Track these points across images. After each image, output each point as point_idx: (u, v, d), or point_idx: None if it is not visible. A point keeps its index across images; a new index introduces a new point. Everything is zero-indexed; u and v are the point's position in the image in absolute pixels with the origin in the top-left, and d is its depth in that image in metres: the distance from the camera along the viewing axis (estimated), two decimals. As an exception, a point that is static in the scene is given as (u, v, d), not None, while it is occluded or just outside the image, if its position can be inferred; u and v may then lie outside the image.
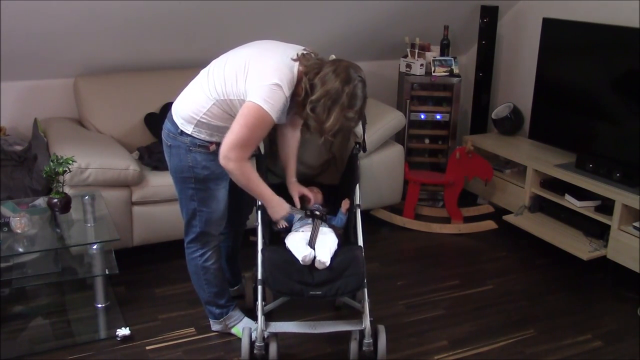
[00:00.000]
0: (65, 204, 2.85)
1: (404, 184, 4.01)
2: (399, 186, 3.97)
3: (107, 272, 2.88)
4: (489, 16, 4.25)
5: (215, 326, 2.83)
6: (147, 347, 2.75)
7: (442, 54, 4.19)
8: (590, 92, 3.57)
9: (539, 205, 3.80)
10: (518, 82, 4.40)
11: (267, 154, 2.78)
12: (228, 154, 2.33)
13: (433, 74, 4.11)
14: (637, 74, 3.27)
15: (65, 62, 3.63)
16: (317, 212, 2.64)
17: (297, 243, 2.51)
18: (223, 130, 2.45)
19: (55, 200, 2.83)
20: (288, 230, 2.65)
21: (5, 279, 2.86)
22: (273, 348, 2.49)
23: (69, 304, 3.07)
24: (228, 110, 2.40)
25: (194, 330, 2.88)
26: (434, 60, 4.11)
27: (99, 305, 2.99)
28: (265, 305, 2.53)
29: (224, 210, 2.63)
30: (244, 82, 2.32)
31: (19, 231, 2.76)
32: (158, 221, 3.30)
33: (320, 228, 2.59)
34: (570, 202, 3.56)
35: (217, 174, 2.52)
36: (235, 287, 3.06)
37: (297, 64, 2.34)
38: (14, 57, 3.42)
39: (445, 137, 4.23)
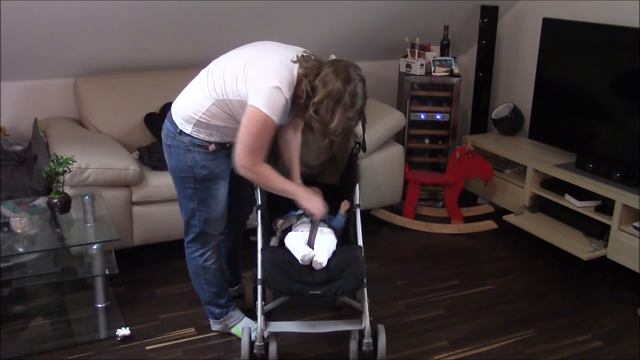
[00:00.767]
0: (65, 204, 2.85)
1: (404, 184, 4.01)
2: (399, 186, 3.97)
3: (107, 272, 2.88)
4: (489, 16, 4.25)
5: (215, 326, 2.84)
6: (147, 347, 2.75)
7: (442, 54, 4.19)
8: (590, 92, 3.57)
9: (539, 205, 3.80)
10: (518, 82, 4.40)
11: (266, 154, 2.78)
12: (243, 163, 2.37)
13: (433, 74, 4.11)
14: (637, 74, 3.27)
15: (65, 62, 3.63)
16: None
17: (296, 243, 2.51)
18: (222, 130, 2.45)
19: (55, 200, 2.83)
20: (287, 230, 2.66)
21: (5, 279, 2.85)
22: (273, 348, 2.49)
23: (69, 304, 3.07)
24: (227, 110, 2.40)
25: (194, 330, 2.88)
26: (434, 60, 4.11)
27: (99, 305, 2.99)
28: (265, 305, 2.53)
29: (223, 210, 2.63)
30: (244, 83, 2.33)
31: (19, 231, 2.76)
32: (158, 221, 3.30)
33: (320, 228, 2.59)
34: (570, 202, 3.56)
35: (216, 173, 2.52)
36: (235, 287, 3.06)
37: (296, 65, 2.34)
38: (14, 57, 3.42)
39: (445, 137, 4.23)
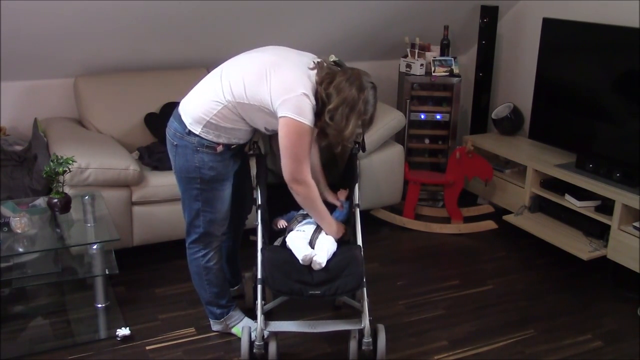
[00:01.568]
0: (65, 204, 2.85)
1: (404, 184, 4.01)
2: (399, 186, 3.97)
3: (107, 272, 2.88)
4: (489, 16, 4.25)
5: (215, 326, 2.84)
6: (147, 347, 2.75)
7: (442, 54, 4.19)
8: (590, 92, 3.57)
9: (539, 205, 3.80)
10: (518, 82, 4.39)
11: (266, 154, 2.78)
12: (295, 176, 2.42)
13: (433, 74, 4.11)
14: (637, 74, 3.27)
15: (65, 62, 3.63)
16: None
17: (297, 242, 2.51)
18: (230, 132, 2.46)
19: (55, 200, 2.83)
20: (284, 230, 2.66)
21: (5, 279, 2.86)
22: (272, 347, 2.50)
23: (69, 304, 3.07)
24: (241, 113, 2.43)
25: (194, 330, 2.88)
26: (434, 60, 4.11)
27: (99, 305, 2.99)
28: (265, 304, 2.53)
29: (227, 210, 2.63)
30: (269, 91, 2.35)
31: (19, 231, 2.76)
32: (158, 221, 3.30)
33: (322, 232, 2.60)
34: (570, 202, 3.55)
35: (223, 174, 2.53)
36: (235, 287, 3.07)
37: (314, 72, 2.38)
38: (14, 57, 3.42)
39: (445, 137, 4.23)
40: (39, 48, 3.44)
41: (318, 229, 2.58)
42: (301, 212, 2.69)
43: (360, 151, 2.78)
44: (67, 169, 2.80)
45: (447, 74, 4.11)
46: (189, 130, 2.48)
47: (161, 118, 3.51)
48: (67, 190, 2.97)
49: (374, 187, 3.82)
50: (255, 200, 2.72)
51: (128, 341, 2.79)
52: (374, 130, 3.70)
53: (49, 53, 3.51)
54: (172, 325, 2.91)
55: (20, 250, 2.78)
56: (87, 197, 2.98)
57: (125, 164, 3.18)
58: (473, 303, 3.16)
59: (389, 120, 3.84)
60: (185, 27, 3.64)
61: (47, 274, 2.96)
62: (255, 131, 2.57)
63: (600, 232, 3.42)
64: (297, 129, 2.34)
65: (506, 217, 3.83)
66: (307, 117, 2.33)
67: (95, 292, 2.98)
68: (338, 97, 2.33)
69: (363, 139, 2.75)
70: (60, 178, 2.82)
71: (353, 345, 2.54)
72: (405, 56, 4.21)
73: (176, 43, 3.75)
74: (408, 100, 4.15)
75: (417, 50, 4.14)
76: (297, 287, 2.41)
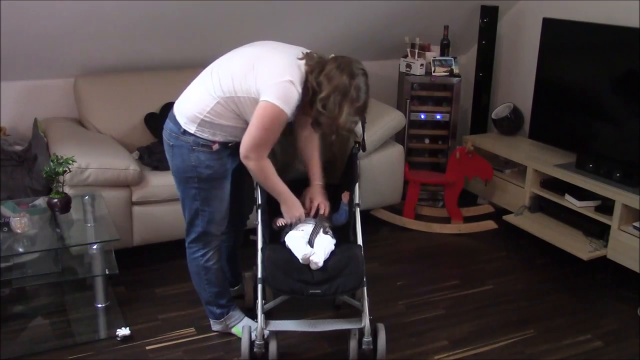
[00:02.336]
0: (65, 204, 2.85)
1: (404, 184, 4.01)
2: (399, 186, 3.97)
3: (107, 272, 2.88)
4: (489, 16, 4.25)
5: (215, 326, 2.83)
6: (147, 347, 2.75)
7: (442, 54, 4.19)
8: (590, 92, 3.57)
9: (539, 205, 3.80)
10: (518, 82, 4.40)
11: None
12: (248, 154, 2.40)
13: (433, 74, 4.11)
14: (637, 74, 3.27)
15: (65, 62, 3.63)
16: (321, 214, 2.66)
17: (296, 242, 2.51)
18: (226, 129, 2.46)
19: (55, 200, 2.83)
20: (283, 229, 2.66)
21: (5, 279, 2.86)
22: (273, 347, 2.50)
23: (69, 304, 3.07)
24: (234, 108, 2.41)
25: (194, 330, 2.88)
26: (434, 60, 4.11)
27: (99, 305, 2.99)
28: (265, 304, 2.53)
29: (226, 209, 2.63)
30: (255, 80, 2.34)
31: (19, 231, 2.76)
32: (158, 221, 3.30)
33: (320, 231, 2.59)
34: (570, 202, 3.56)
35: (220, 173, 2.53)
36: (236, 287, 3.06)
37: (303, 62, 2.37)
38: (14, 57, 3.42)
39: (445, 137, 4.23)
40: (39, 48, 3.44)
41: (317, 228, 2.57)
42: None
43: (361, 151, 2.78)
44: (67, 169, 2.80)
45: (447, 74, 4.11)
46: (184, 130, 2.48)
47: (161, 118, 3.49)
48: (67, 190, 2.97)
49: (374, 187, 3.82)
50: (255, 199, 2.72)
51: (128, 341, 2.79)
52: (374, 130, 3.70)
53: (49, 53, 3.51)
54: (172, 325, 2.91)
55: (20, 250, 2.78)
56: (87, 197, 2.97)
57: (125, 164, 3.18)
58: (473, 303, 3.16)
59: (389, 120, 3.84)
60: (185, 27, 3.64)
61: (47, 274, 2.96)
62: None
63: (600, 232, 3.42)
64: (272, 114, 2.31)
65: (506, 217, 3.83)
66: (288, 105, 2.31)
67: (95, 292, 2.98)
68: (329, 85, 2.31)
69: (363, 138, 2.75)
70: (60, 178, 2.82)
71: (353, 344, 2.54)
72: (405, 56, 4.21)
73: (176, 43, 3.75)
74: (408, 100, 4.15)
75: (417, 50, 4.14)
76: (297, 286, 2.41)
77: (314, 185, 2.70)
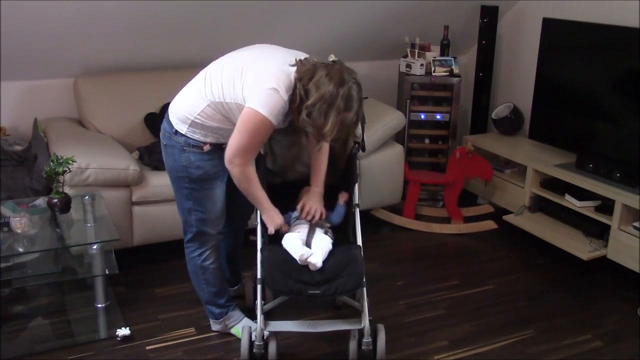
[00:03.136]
0: (65, 204, 2.86)
1: (404, 184, 4.00)
2: (399, 186, 3.97)
3: (107, 272, 2.88)
4: (489, 16, 4.25)
5: (215, 326, 2.84)
6: (147, 347, 2.75)
7: (442, 54, 4.19)
8: (590, 92, 3.57)
9: (539, 205, 3.80)
10: (518, 82, 4.40)
11: (266, 154, 2.78)
12: (232, 160, 2.38)
13: (433, 74, 4.11)
14: (637, 74, 3.27)
15: (65, 62, 3.63)
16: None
17: (293, 243, 2.51)
18: (217, 131, 2.46)
19: (55, 200, 2.83)
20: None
21: (5, 279, 2.85)
22: (272, 347, 2.50)
23: (69, 304, 3.07)
24: (223, 112, 2.41)
25: (194, 330, 2.88)
26: (434, 60, 4.11)
27: (99, 305, 2.99)
28: (264, 304, 2.53)
29: (220, 210, 2.63)
30: (241, 87, 2.33)
31: (19, 231, 2.76)
32: (158, 221, 3.30)
33: (316, 229, 2.59)
34: (570, 202, 3.56)
35: (211, 174, 2.52)
36: (235, 287, 3.06)
37: (294, 69, 2.33)
38: (14, 57, 3.42)
39: (445, 137, 4.23)
40: (39, 48, 3.44)
41: (312, 228, 2.57)
42: (296, 213, 2.69)
43: (360, 151, 2.78)
44: (67, 169, 2.80)
45: (447, 74, 4.11)
46: (176, 130, 2.48)
47: (161, 118, 3.47)
48: (67, 190, 2.97)
49: (374, 187, 3.82)
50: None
51: (128, 341, 2.79)
52: (374, 130, 3.70)
53: (49, 53, 3.51)
54: (172, 325, 2.91)
55: (20, 250, 2.78)
56: (87, 197, 2.98)
57: (125, 164, 3.18)
58: (473, 303, 3.16)
59: (389, 120, 3.84)
60: (185, 27, 3.64)
61: (47, 274, 2.95)
62: None
63: (600, 232, 3.42)
64: (256, 121, 2.29)
65: (506, 217, 3.83)
66: (271, 113, 2.28)
67: (95, 292, 2.98)
68: (316, 93, 2.26)
69: (363, 138, 2.75)
70: (60, 178, 2.82)
71: (353, 345, 2.54)
72: (405, 56, 4.21)
73: (176, 43, 3.75)
74: (408, 100, 4.15)
75: (417, 50, 4.14)
76: (296, 287, 2.41)
77: (312, 191, 2.68)
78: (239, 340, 2.59)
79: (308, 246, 2.49)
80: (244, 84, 2.32)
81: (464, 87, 4.29)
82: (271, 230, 2.58)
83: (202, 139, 2.47)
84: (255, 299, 2.55)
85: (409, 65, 4.15)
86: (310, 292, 2.41)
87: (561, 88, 3.73)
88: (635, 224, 3.23)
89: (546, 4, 4.07)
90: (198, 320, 2.92)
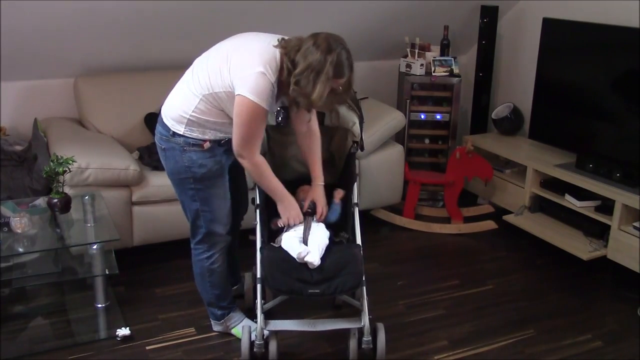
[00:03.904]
0: (65, 204, 2.85)
1: (404, 184, 4.00)
2: (399, 186, 3.97)
3: (107, 272, 2.88)
4: (489, 16, 4.25)
5: (216, 327, 2.84)
6: (147, 347, 2.75)
7: (442, 54, 4.19)
8: (590, 92, 3.57)
9: (539, 205, 3.80)
10: (518, 82, 4.40)
11: (265, 153, 2.78)
12: (240, 153, 2.41)
13: (433, 74, 4.11)
14: (637, 74, 3.27)
15: (65, 62, 3.63)
16: (309, 210, 2.65)
17: (291, 242, 2.51)
18: (214, 126, 2.45)
19: (55, 200, 2.83)
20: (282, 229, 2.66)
21: (5, 279, 2.86)
22: (273, 347, 2.50)
23: (69, 304, 3.07)
24: (215, 104, 2.41)
25: (194, 330, 2.88)
26: (434, 60, 4.11)
27: (99, 305, 2.99)
28: (264, 303, 2.53)
29: (228, 207, 2.61)
30: (228, 73, 2.33)
31: (19, 231, 2.76)
32: (158, 221, 3.30)
33: (312, 224, 2.59)
34: (570, 202, 3.55)
35: (214, 171, 2.52)
36: (235, 287, 3.06)
37: (278, 50, 2.33)
38: (14, 57, 3.42)
39: (445, 137, 4.23)
40: (39, 48, 3.44)
41: (308, 227, 2.57)
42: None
43: (359, 150, 2.78)
44: (67, 169, 2.81)
45: (447, 74, 4.11)
46: (173, 132, 2.47)
47: (161, 118, 3.51)
48: (67, 190, 2.97)
49: (374, 187, 3.82)
50: (254, 199, 2.72)
51: (128, 341, 2.79)
52: (374, 130, 3.70)
53: (49, 53, 3.51)
54: (172, 325, 2.91)
55: (20, 250, 2.78)
56: (87, 197, 2.98)
57: (125, 164, 3.18)
58: (473, 303, 3.16)
59: (388, 120, 3.84)
60: (184, 27, 3.64)
61: (47, 274, 2.96)
62: None
63: (600, 232, 3.42)
64: (250, 110, 2.30)
65: (506, 217, 3.83)
66: (262, 98, 2.28)
67: (95, 292, 2.98)
68: (304, 62, 2.26)
69: (361, 137, 2.75)
70: (60, 178, 2.82)
71: (353, 344, 2.54)
72: (405, 56, 4.21)
73: (176, 43, 3.75)
74: (408, 100, 4.15)
75: (417, 50, 4.14)
76: (296, 286, 2.41)
77: (317, 186, 2.68)
78: (239, 340, 2.59)
79: (305, 243, 2.49)
80: (230, 69, 2.32)
81: (464, 87, 4.29)
82: (284, 220, 2.58)
83: (200, 136, 2.46)
84: (255, 298, 2.55)
85: (409, 65, 4.15)
86: (310, 291, 2.41)
87: (561, 88, 3.73)
88: (635, 224, 3.23)
89: (546, 4, 4.07)
90: (198, 320, 2.92)
